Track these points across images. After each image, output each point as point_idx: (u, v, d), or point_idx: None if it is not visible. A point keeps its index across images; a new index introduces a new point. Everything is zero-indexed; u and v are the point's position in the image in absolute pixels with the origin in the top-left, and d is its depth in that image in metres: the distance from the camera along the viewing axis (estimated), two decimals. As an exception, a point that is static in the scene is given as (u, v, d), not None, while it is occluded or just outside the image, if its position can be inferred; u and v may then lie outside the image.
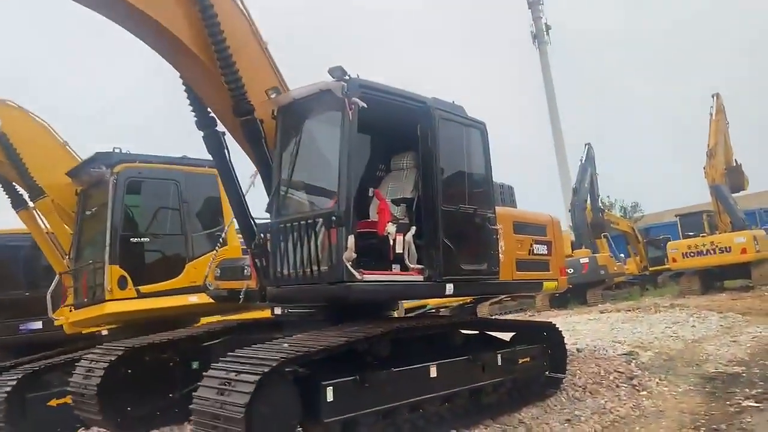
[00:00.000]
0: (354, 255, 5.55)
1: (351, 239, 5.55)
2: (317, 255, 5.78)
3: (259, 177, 6.77)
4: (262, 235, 6.47)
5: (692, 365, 9.21)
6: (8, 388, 7.42)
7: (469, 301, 20.67)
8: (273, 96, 6.44)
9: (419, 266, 6.36)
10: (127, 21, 6.11)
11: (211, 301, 7.88)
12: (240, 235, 7.79)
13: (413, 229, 6.40)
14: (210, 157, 7.18)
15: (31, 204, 9.77)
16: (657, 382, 8.28)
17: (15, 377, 7.57)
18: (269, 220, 6.47)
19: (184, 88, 6.86)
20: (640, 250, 28.66)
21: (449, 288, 6.53)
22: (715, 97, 22.07)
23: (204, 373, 5.12)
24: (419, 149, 6.69)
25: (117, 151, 8.91)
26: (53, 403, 7.53)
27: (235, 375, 4.84)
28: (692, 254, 21.20)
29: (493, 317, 17.21)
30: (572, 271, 21.01)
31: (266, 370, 4.72)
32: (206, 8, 6.12)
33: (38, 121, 9.59)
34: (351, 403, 5.34)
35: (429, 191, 6.53)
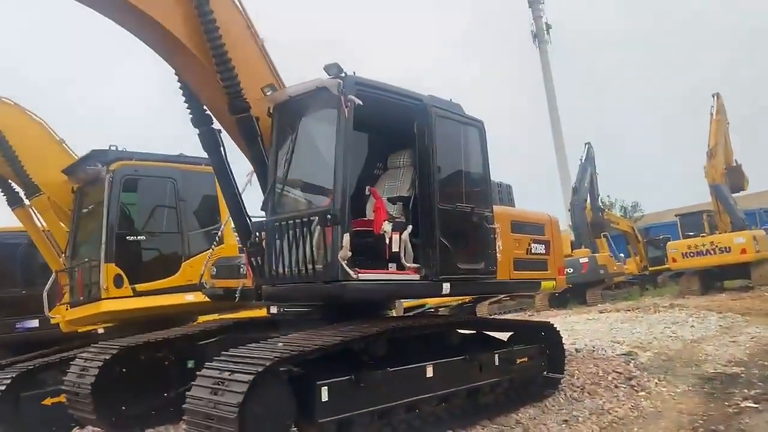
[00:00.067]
0: (349, 253, 5.51)
1: (346, 238, 5.51)
2: (312, 253, 5.74)
3: (255, 175, 6.73)
4: (257, 233, 6.41)
5: (691, 366, 9.17)
6: (2, 387, 7.37)
7: (468, 300, 20.66)
8: (269, 93, 6.40)
9: (415, 265, 6.31)
10: (120, 16, 6.06)
11: (208, 299, 7.84)
12: (236, 234, 7.75)
13: (410, 227, 6.36)
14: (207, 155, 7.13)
15: (27, 201, 9.72)
16: (656, 383, 8.23)
17: (9, 376, 7.53)
18: (265, 219, 6.43)
19: (179, 85, 6.80)
20: (640, 250, 28.62)
21: (446, 287, 6.49)
22: (715, 97, 22.02)
23: (197, 373, 5.08)
24: (416, 147, 6.64)
25: (113, 148, 8.87)
26: (48, 402, 7.48)
27: (229, 374, 4.80)
28: (692, 254, 21.15)
29: (491, 317, 17.19)
30: (572, 270, 20.95)
31: (260, 369, 4.68)
32: (202, 4, 6.08)
33: (34, 118, 9.55)
34: (346, 403, 5.30)
35: (426, 190, 6.49)
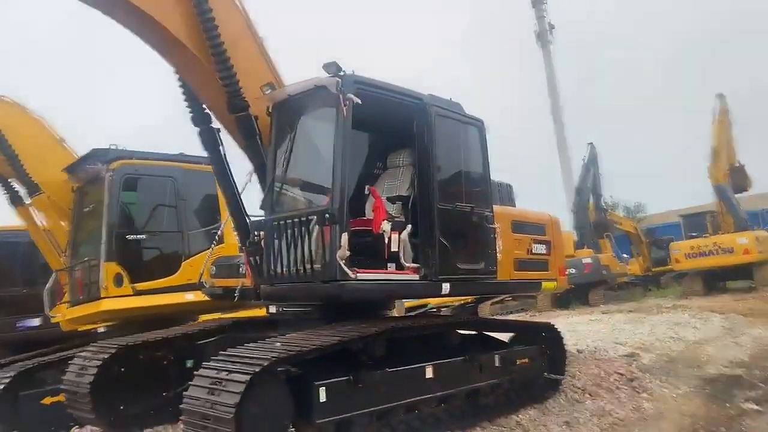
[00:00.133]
0: (348, 253, 5.48)
1: (345, 237, 5.48)
2: (311, 253, 5.71)
3: (254, 174, 6.70)
4: (256, 232, 6.39)
5: (693, 367, 9.13)
6: (1, 386, 7.37)
7: (470, 300, 20.59)
8: (268, 92, 6.37)
9: (415, 265, 6.27)
10: (119, 15, 6.04)
11: (208, 298, 7.82)
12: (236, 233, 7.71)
13: (409, 227, 6.32)
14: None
15: (27, 200, 9.71)
16: (658, 384, 8.20)
17: (8, 375, 7.52)
18: (263, 218, 6.40)
19: (179, 83, 6.78)
20: (643, 251, 28.49)
21: (445, 287, 6.45)
22: (718, 98, 21.94)
23: (194, 373, 5.06)
24: (415, 146, 6.61)
25: (113, 147, 8.86)
26: (47, 401, 7.46)
27: (226, 374, 4.78)
28: (695, 255, 21.08)
29: (492, 317, 17.12)
30: (574, 271, 20.91)
31: (257, 369, 4.66)
32: (201, 3, 6.05)
33: (34, 117, 9.55)
34: (344, 404, 5.27)
35: (425, 189, 6.45)
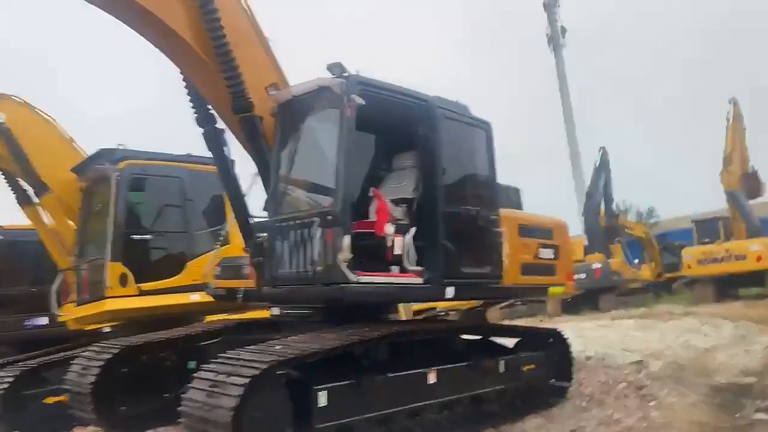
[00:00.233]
0: (350, 255, 5.42)
1: (347, 239, 5.43)
2: (312, 255, 5.67)
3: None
4: (259, 233, 6.35)
5: (703, 375, 8.96)
6: (5, 385, 7.39)
7: (479, 304, 20.46)
8: (272, 93, 6.35)
9: (418, 268, 6.21)
10: (125, 14, 6.04)
11: (212, 299, 7.80)
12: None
13: (413, 230, 6.26)
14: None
15: (35, 200, 9.75)
16: (666, 393, 8.04)
17: (11, 374, 7.54)
18: (266, 219, 6.37)
19: (184, 83, 6.77)
20: (654, 256, 28.22)
21: (449, 291, 6.38)
22: (732, 103, 21.70)
23: (193, 375, 5.03)
24: (420, 148, 6.55)
25: (121, 147, 8.88)
26: (50, 400, 7.47)
27: (225, 377, 4.74)
28: (707, 261, 20.85)
29: (498, 322, 17.00)
30: (584, 276, 20.78)
31: (256, 373, 4.61)
32: (206, 3, 6.04)
33: (43, 116, 9.58)
34: (345, 409, 5.22)
35: (430, 192, 6.40)
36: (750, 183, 21.85)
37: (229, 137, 6.82)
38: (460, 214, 6.57)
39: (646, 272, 26.75)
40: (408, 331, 6.18)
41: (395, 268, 6.16)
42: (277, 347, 5.17)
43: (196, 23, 6.09)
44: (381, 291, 5.98)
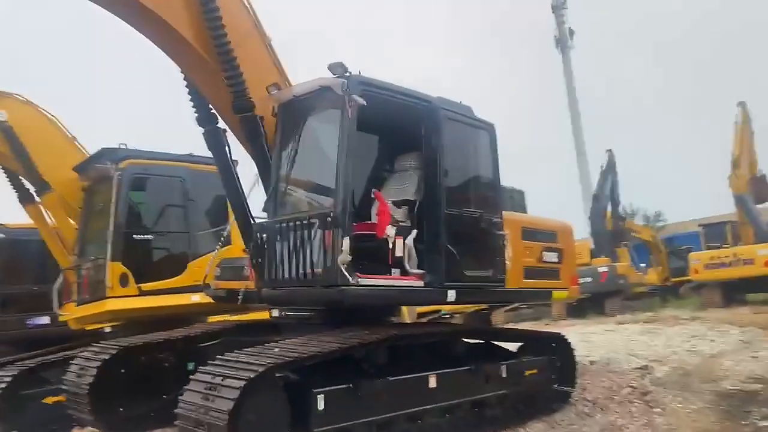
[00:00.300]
0: (349, 258, 5.35)
1: (347, 241, 5.36)
2: (312, 257, 5.60)
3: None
4: (258, 234, 6.28)
5: (709, 381, 8.84)
6: (3, 385, 7.36)
7: (484, 307, 20.35)
8: (273, 93, 6.29)
9: (420, 271, 6.13)
10: (125, 13, 6.00)
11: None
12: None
13: (414, 232, 6.19)
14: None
15: (37, 198, 9.72)
16: (671, 399, 7.95)
17: (10, 374, 7.50)
18: (266, 220, 6.31)
19: (185, 83, 6.73)
20: (662, 260, 28.02)
21: (451, 295, 6.30)
22: (740, 106, 21.53)
23: (190, 377, 4.97)
24: (423, 150, 6.48)
25: (123, 147, 8.84)
26: (49, 400, 7.44)
27: (221, 380, 4.68)
28: (714, 266, 20.63)
29: (501, 326, 16.90)
30: (590, 279, 20.61)
31: (252, 376, 4.55)
32: (207, 1, 5.99)
33: (46, 115, 9.56)
34: (343, 413, 5.15)
35: (432, 193, 6.32)
36: (758, 187, 21.64)
37: (231, 137, 6.78)
38: (463, 217, 6.49)
39: (653, 276, 26.55)
40: (408, 334, 6.10)
41: (396, 271, 6.09)
42: (275, 350, 5.11)
43: (197, 21, 6.04)
44: (381, 294, 5.90)
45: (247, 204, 6.78)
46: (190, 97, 6.73)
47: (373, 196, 6.32)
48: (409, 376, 5.75)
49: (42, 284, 10.57)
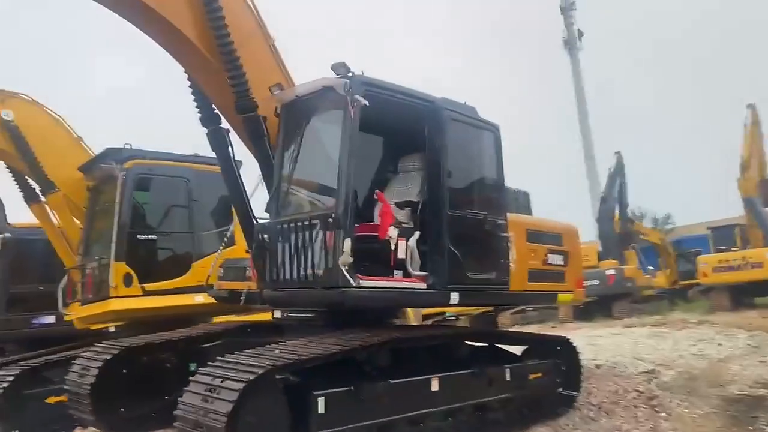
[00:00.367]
0: (351, 259, 5.30)
1: (348, 242, 5.31)
2: (313, 258, 5.56)
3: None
4: (260, 235, 6.26)
5: (716, 386, 8.73)
6: (5, 384, 7.36)
7: (490, 310, 20.28)
8: (276, 93, 6.26)
9: (422, 273, 6.08)
10: (129, 13, 6.00)
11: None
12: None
13: (417, 233, 6.13)
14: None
15: (42, 198, 9.75)
16: (677, 404, 7.87)
17: (12, 373, 7.51)
18: (268, 221, 6.28)
19: (188, 83, 6.71)
20: (670, 263, 27.85)
21: (454, 297, 6.25)
22: (750, 108, 21.35)
23: (190, 378, 4.94)
24: (426, 151, 6.43)
25: (128, 147, 8.84)
26: (51, 400, 7.44)
27: (221, 381, 4.65)
28: (723, 269, 20.46)
29: (505, 329, 16.82)
30: (597, 282, 20.50)
31: (251, 377, 4.52)
32: (210, 1, 5.98)
33: (52, 115, 9.59)
34: (344, 415, 5.11)
35: (435, 195, 6.26)
36: (767, 190, 21.47)
37: (234, 137, 6.76)
38: (466, 218, 6.43)
39: (661, 279, 26.39)
40: (410, 337, 6.05)
41: (399, 273, 6.04)
42: (276, 351, 5.07)
43: (200, 21, 6.04)
44: (383, 296, 5.86)
45: (249, 204, 6.77)
46: (193, 97, 6.72)
47: (375, 197, 6.27)
48: (411, 378, 5.70)
49: (48, 283, 10.58)
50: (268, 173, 6.37)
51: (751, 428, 6.71)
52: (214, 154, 7.01)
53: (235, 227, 8.38)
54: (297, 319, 6.71)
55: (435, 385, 5.87)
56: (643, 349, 11.93)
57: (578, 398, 7.60)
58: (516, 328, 17.92)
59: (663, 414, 7.49)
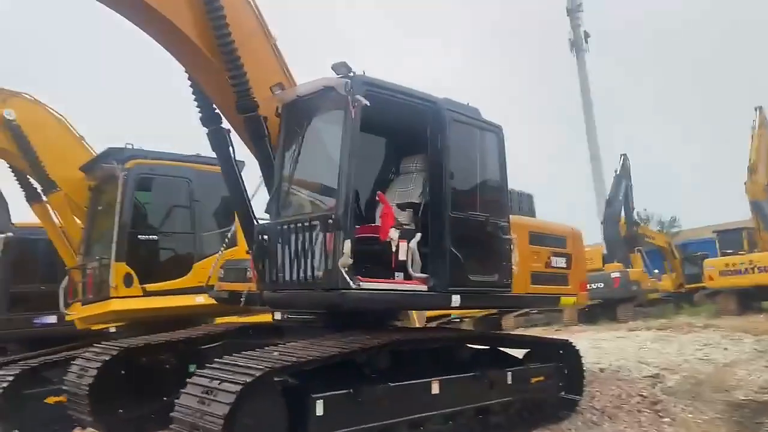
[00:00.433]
0: (350, 260, 5.25)
1: (347, 244, 5.26)
2: (313, 259, 5.51)
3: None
4: (260, 236, 6.21)
5: (721, 391, 8.66)
6: (5, 384, 7.33)
7: (494, 312, 20.20)
8: (277, 93, 6.22)
9: (423, 275, 6.02)
10: (129, 12, 5.97)
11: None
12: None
13: (418, 235, 6.07)
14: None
15: (44, 198, 9.73)
16: (682, 409, 7.79)
17: (12, 373, 7.48)
18: (269, 221, 6.24)
19: (189, 83, 6.68)
20: (676, 267, 27.69)
21: (455, 299, 6.18)
22: (757, 110, 21.20)
23: (187, 380, 4.90)
24: (428, 152, 6.37)
25: (129, 147, 8.82)
26: (50, 400, 7.40)
27: (218, 383, 4.60)
28: (729, 273, 20.32)
29: (506, 332, 16.74)
30: (602, 285, 20.40)
31: (248, 380, 4.46)
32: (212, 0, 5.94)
33: (54, 114, 9.57)
34: (342, 418, 5.05)
35: (437, 196, 6.21)
36: (775, 193, 21.31)
37: (235, 137, 6.72)
38: (468, 220, 6.37)
39: (667, 283, 26.26)
40: (410, 339, 5.99)
41: (400, 275, 5.98)
42: (274, 353, 5.02)
43: (200, 21, 6.00)
44: (383, 298, 5.80)
45: (250, 205, 6.73)
46: (194, 96, 6.68)
47: (377, 198, 6.22)
48: (411, 381, 5.64)
49: (50, 283, 10.55)
50: (268, 173, 6.33)
51: (756, 434, 6.62)
52: (215, 154, 6.98)
53: (237, 228, 8.38)
54: (297, 320, 6.66)
55: (435, 388, 5.81)
56: (647, 353, 11.85)
57: (581, 402, 7.52)
58: (520, 331, 17.82)
59: (667, 419, 7.41)
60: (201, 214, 9.12)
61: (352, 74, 5.57)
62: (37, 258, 11.13)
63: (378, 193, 6.21)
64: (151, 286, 8.43)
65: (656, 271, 25.64)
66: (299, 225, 5.68)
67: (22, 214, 10.99)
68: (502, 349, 7.19)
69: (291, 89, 6.30)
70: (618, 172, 24.66)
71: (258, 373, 4.55)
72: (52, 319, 10.54)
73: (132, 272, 8.30)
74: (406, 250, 5.89)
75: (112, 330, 9.20)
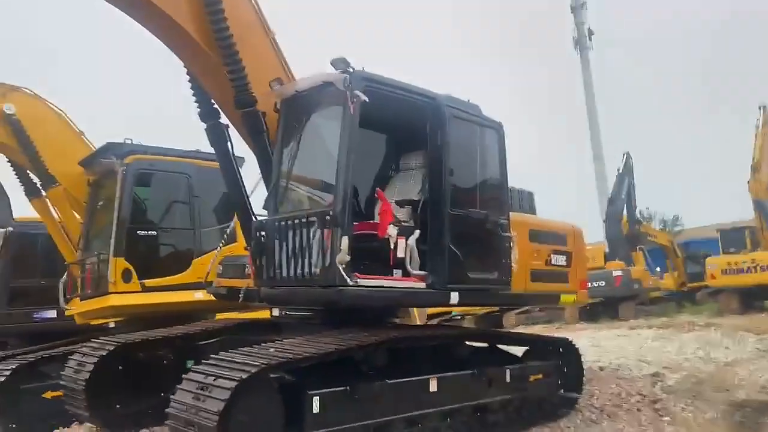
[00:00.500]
0: (348, 257, 5.22)
1: (345, 241, 5.22)
2: (310, 256, 5.48)
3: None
4: (258, 232, 6.18)
5: (722, 390, 8.61)
6: (2, 379, 7.32)
7: (495, 310, 20.17)
8: (275, 88, 6.18)
9: (422, 272, 5.98)
10: (127, 6, 5.94)
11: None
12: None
13: (417, 232, 6.03)
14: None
15: (44, 192, 9.71)
16: (682, 408, 7.75)
17: (9, 368, 7.47)
18: (267, 217, 6.20)
19: (188, 77, 6.65)
20: (678, 265, 27.62)
21: (454, 297, 6.14)
22: (762, 109, 21.10)
23: (183, 376, 4.88)
24: (427, 148, 6.33)
25: (128, 142, 8.79)
26: (48, 395, 7.38)
27: (213, 379, 4.58)
28: (732, 271, 20.27)
29: (505, 329, 16.72)
30: (603, 283, 20.35)
31: (244, 376, 4.44)
32: None
33: (54, 109, 9.53)
34: (339, 415, 5.04)
35: (436, 193, 6.16)
36: (778, 192, 21.23)
37: (233, 133, 6.69)
38: (468, 217, 6.33)
39: (669, 281, 26.22)
40: (408, 336, 5.96)
41: (398, 272, 5.95)
42: (270, 350, 5.00)
43: (199, 15, 5.97)
44: (381, 295, 5.77)
45: (248, 201, 6.69)
46: (192, 91, 6.65)
47: (376, 195, 6.18)
48: (408, 379, 5.62)
49: (50, 278, 10.54)
50: (267, 169, 6.30)
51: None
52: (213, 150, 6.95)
53: (236, 224, 8.34)
54: (295, 317, 6.64)
55: (433, 386, 5.79)
56: (648, 351, 11.81)
57: (580, 400, 7.50)
58: (521, 329, 17.81)
59: (667, 418, 7.39)
60: (200, 210, 9.08)
61: (351, 70, 5.53)
62: (38, 253, 11.13)
63: (377, 190, 6.18)
64: (150, 282, 8.41)
65: (658, 269, 25.58)
66: (297, 221, 5.65)
67: (22, 208, 10.98)
68: (500, 346, 7.16)
69: (290, 84, 6.26)
70: (621, 171, 24.59)
71: (253, 370, 4.53)
72: (52, 313, 10.53)
73: (131, 268, 8.28)
74: (404, 247, 5.86)
75: (112, 325, 9.21)
